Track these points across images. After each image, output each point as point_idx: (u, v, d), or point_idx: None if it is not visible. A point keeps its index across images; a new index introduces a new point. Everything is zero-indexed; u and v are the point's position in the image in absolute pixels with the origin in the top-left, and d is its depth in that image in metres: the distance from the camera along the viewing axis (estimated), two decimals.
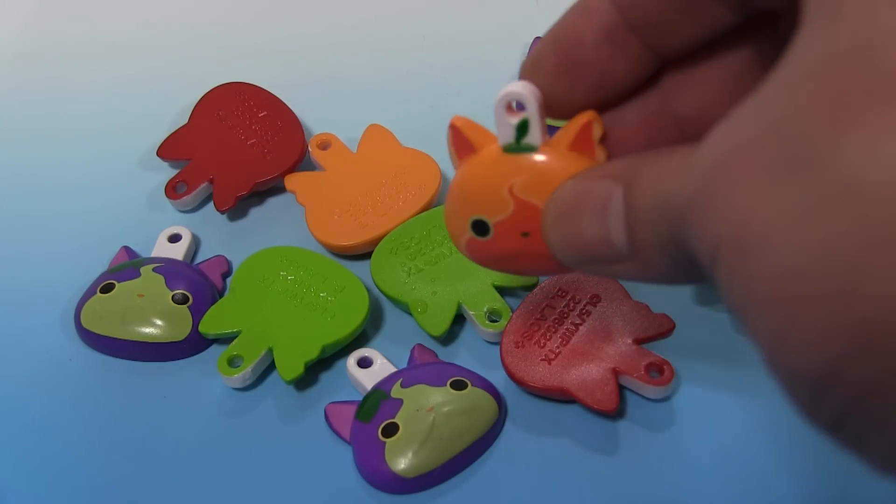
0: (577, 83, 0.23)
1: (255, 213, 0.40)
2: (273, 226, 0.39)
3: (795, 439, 0.32)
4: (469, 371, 0.33)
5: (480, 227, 0.25)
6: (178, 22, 0.47)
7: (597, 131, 0.23)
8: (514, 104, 0.23)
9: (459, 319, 0.35)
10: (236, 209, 0.39)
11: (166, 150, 0.40)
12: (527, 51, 0.44)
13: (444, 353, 0.35)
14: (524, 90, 0.23)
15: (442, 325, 0.34)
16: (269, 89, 0.42)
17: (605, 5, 0.22)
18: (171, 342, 0.35)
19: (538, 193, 0.23)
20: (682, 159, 0.19)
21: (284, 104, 0.41)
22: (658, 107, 0.24)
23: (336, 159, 0.39)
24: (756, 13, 0.22)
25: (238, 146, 0.40)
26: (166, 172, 0.40)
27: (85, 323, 0.35)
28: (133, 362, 0.35)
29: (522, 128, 0.23)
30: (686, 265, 0.19)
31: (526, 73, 0.24)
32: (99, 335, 0.35)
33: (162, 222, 0.39)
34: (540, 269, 0.25)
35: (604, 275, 0.22)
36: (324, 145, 0.40)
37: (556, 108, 0.24)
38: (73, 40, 0.47)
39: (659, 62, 0.23)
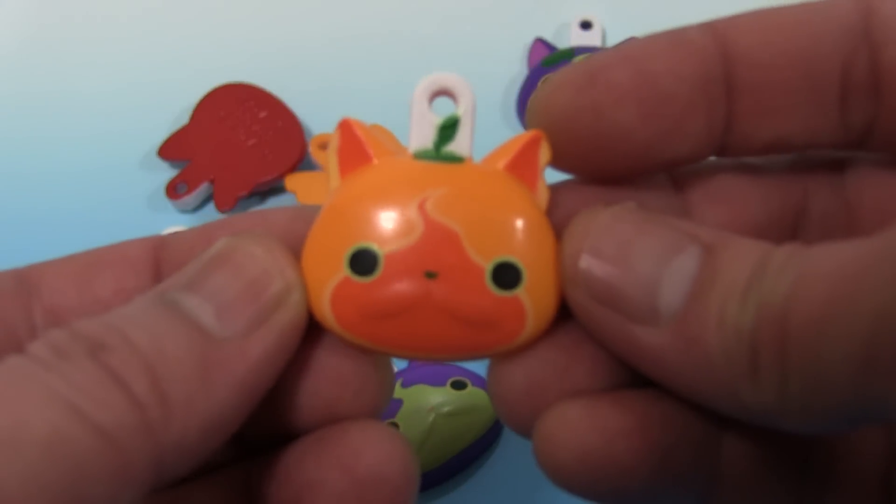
0: (650, 120, 0.17)
1: None
2: None
3: None
4: (469, 371, 0.33)
5: (362, 262, 0.17)
6: (179, 22, 0.47)
7: (543, 157, 0.18)
8: (432, 105, 0.18)
9: None
10: (237, 209, 0.39)
11: (167, 151, 0.40)
12: (527, 51, 0.44)
13: None
14: (460, 81, 0.18)
15: None
16: (269, 90, 0.42)
17: (711, 49, 0.17)
18: None
19: (461, 217, 0.17)
20: (860, 239, 0.14)
21: (284, 105, 0.41)
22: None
23: None
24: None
25: (238, 147, 0.40)
26: (166, 172, 0.41)
27: None
28: None
29: (448, 129, 0.18)
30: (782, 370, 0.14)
31: (578, 80, 0.17)
32: None
33: (162, 222, 0.39)
34: (440, 340, 0.17)
35: (605, 336, 0.17)
36: (324, 145, 0.40)
37: (600, 142, 0.17)
38: (74, 40, 0.47)
39: (711, 153, 0.18)
